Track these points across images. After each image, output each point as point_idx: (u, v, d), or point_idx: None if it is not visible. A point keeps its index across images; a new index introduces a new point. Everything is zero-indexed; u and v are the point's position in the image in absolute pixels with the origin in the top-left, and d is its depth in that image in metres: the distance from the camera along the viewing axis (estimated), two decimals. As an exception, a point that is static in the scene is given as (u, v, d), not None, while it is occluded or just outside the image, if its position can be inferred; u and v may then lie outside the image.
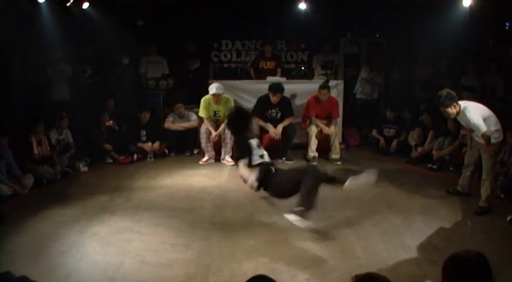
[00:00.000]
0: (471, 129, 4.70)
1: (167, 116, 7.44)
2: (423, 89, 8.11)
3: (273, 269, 3.49)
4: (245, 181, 4.54)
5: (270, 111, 6.80)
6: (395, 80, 8.58)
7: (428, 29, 7.29)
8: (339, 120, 7.22)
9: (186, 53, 8.35)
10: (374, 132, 7.53)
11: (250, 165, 4.52)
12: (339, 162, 6.72)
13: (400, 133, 7.34)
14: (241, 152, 4.68)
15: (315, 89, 6.87)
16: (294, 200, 4.22)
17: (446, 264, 2.02)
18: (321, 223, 4.47)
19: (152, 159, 6.99)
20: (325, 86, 6.80)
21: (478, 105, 4.64)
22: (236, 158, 4.62)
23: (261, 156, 4.56)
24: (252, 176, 4.41)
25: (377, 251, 3.87)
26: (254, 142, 4.61)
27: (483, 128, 4.45)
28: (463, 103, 4.58)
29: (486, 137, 4.50)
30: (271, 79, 7.28)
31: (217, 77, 8.25)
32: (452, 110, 4.56)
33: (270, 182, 4.43)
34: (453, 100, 4.52)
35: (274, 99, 6.66)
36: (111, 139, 6.96)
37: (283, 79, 7.40)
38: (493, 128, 4.55)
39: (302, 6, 8.04)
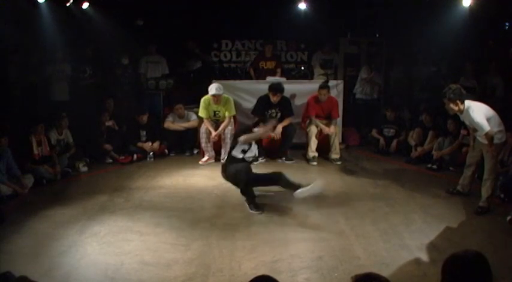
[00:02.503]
0: (474, 129, 4.71)
1: (167, 116, 7.45)
2: (423, 89, 8.12)
3: (273, 269, 3.49)
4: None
5: (270, 111, 6.79)
6: (395, 80, 8.59)
7: (428, 29, 7.29)
8: (339, 120, 7.22)
9: (189, 52, 8.35)
10: (374, 132, 7.53)
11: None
12: (339, 162, 6.71)
13: (400, 133, 7.33)
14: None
15: (315, 89, 6.86)
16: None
17: (445, 264, 2.02)
18: (321, 223, 4.48)
19: (152, 159, 6.99)
20: (325, 86, 6.80)
21: (482, 105, 4.64)
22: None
23: (243, 151, 5.03)
24: None
25: (377, 251, 3.87)
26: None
27: (486, 127, 4.45)
28: (467, 103, 4.58)
29: (489, 137, 4.50)
30: (271, 79, 7.28)
31: (217, 77, 8.26)
32: (454, 106, 4.57)
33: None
34: (459, 97, 4.53)
35: (274, 99, 6.66)
36: (111, 139, 6.95)
37: (283, 79, 7.40)
38: (496, 129, 4.55)
39: (302, 6, 8.04)
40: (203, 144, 6.79)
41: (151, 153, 7.01)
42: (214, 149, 6.83)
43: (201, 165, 6.68)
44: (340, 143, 7.14)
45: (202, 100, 6.77)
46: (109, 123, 7.07)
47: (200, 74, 8.29)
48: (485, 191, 4.72)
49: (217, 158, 6.82)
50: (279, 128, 6.63)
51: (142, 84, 8.16)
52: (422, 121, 7.08)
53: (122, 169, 6.55)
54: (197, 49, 8.51)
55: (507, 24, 8.26)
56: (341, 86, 7.42)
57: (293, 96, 7.17)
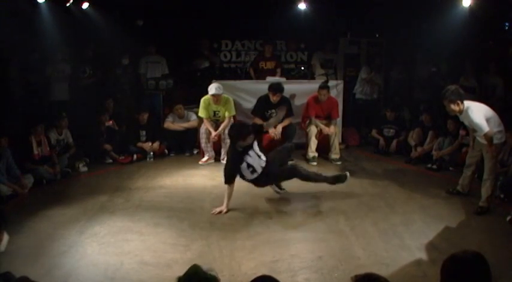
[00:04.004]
0: (474, 129, 4.71)
1: (167, 116, 7.45)
2: (423, 89, 8.12)
3: (273, 269, 3.49)
4: None
5: (269, 111, 6.80)
6: (395, 80, 8.59)
7: (428, 29, 7.29)
8: (339, 120, 7.22)
9: (198, 50, 8.33)
10: (374, 132, 7.53)
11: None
12: (339, 162, 6.72)
13: (400, 133, 7.33)
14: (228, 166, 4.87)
15: (315, 89, 6.87)
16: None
17: (444, 264, 2.02)
18: (321, 223, 4.49)
19: (152, 160, 6.99)
20: (324, 86, 6.81)
21: (482, 106, 4.64)
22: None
23: (252, 172, 4.77)
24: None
25: (377, 251, 3.87)
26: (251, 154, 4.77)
27: (485, 127, 4.45)
28: (466, 103, 4.58)
29: (489, 137, 4.50)
30: (271, 79, 7.28)
31: (217, 77, 8.25)
32: (454, 107, 4.57)
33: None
34: (458, 97, 4.53)
35: (274, 99, 6.66)
36: (111, 139, 6.96)
37: (282, 79, 7.40)
38: (495, 129, 4.55)
39: (302, 6, 8.04)
40: (203, 145, 6.80)
41: (151, 153, 7.02)
42: (214, 149, 6.83)
43: (201, 165, 6.68)
44: (340, 143, 7.14)
45: (202, 100, 6.78)
46: (109, 123, 7.07)
47: (207, 73, 8.21)
48: (485, 191, 4.72)
49: (217, 158, 6.83)
50: (279, 128, 6.64)
51: (142, 85, 8.16)
52: (422, 121, 7.08)
53: (122, 169, 6.55)
54: (206, 50, 8.49)
55: (507, 24, 8.26)
56: (341, 86, 7.43)
57: (293, 96, 7.17)
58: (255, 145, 4.88)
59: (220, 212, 4.72)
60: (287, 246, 3.95)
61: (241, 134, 4.71)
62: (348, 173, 5.09)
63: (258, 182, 4.88)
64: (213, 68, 8.60)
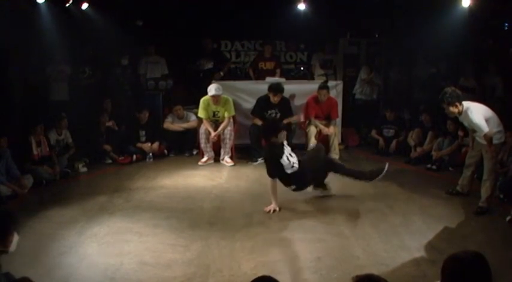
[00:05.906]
0: (473, 130, 4.71)
1: (166, 117, 7.45)
2: (422, 89, 8.12)
3: (273, 269, 3.49)
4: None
5: (269, 112, 6.80)
6: (395, 81, 8.59)
7: (427, 29, 7.30)
8: (338, 120, 7.22)
9: (204, 51, 8.33)
10: (373, 133, 7.53)
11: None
12: (339, 163, 6.71)
13: (400, 133, 7.34)
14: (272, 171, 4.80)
15: (315, 90, 6.87)
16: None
17: (445, 264, 2.02)
18: (321, 223, 4.48)
19: (151, 160, 6.99)
20: (324, 87, 6.81)
21: (481, 106, 4.64)
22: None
23: (292, 166, 4.74)
24: None
25: (376, 251, 3.86)
26: (286, 151, 4.80)
27: (485, 128, 4.45)
28: (465, 103, 4.58)
29: (488, 138, 4.49)
30: (270, 79, 7.28)
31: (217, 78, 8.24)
32: (453, 109, 4.57)
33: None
34: (456, 99, 4.53)
35: (274, 99, 6.66)
36: (111, 139, 6.96)
37: (282, 79, 7.41)
38: (495, 129, 4.55)
39: (301, 6, 8.04)
40: (202, 145, 6.80)
41: (150, 154, 7.02)
42: (214, 150, 6.83)
43: (200, 165, 6.68)
44: (339, 144, 7.14)
45: (201, 101, 6.78)
46: (109, 123, 7.07)
47: (209, 75, 8.16)
48: (484, 191, 4.72)
49: (216, 158, 6.83)
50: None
51: (142, 85, 8.15)
52: (421, 121, 7.08)
53: (122, 170, 6.55)
54: (211, 63, 8.44)
55: (506, 24, 8.27)
56: (340, 87, 7.43)
57: (292, 96, 7.17)
58: (286, 145, 4.94)
59: (274, 211, 4.70)
60: (286, 247, 3.95)
61: (273, 130, 4.85)
62: (387, 164, 4.97)
63: (298, 181, 4.85)
64: (229, 72, 8.58)
